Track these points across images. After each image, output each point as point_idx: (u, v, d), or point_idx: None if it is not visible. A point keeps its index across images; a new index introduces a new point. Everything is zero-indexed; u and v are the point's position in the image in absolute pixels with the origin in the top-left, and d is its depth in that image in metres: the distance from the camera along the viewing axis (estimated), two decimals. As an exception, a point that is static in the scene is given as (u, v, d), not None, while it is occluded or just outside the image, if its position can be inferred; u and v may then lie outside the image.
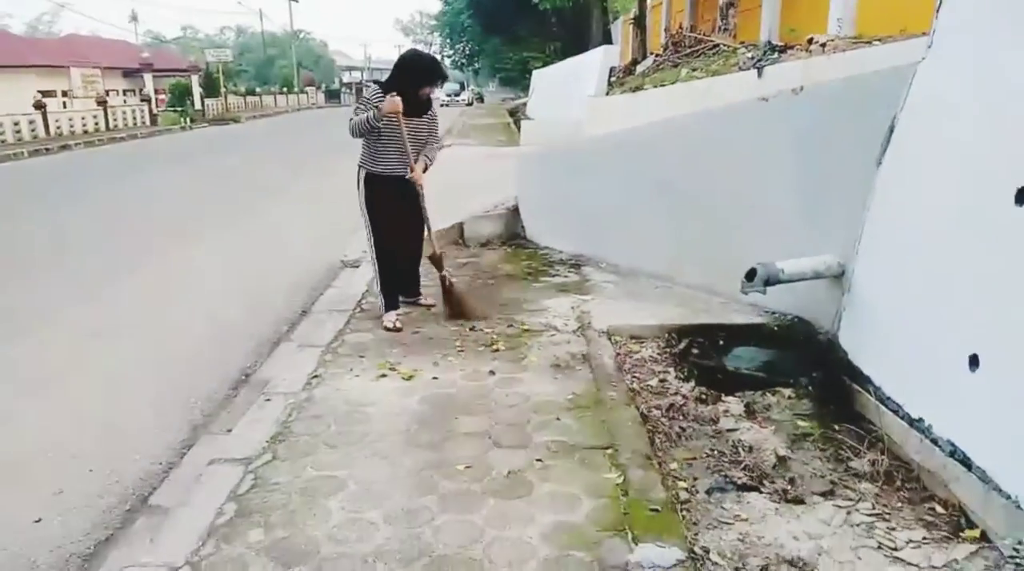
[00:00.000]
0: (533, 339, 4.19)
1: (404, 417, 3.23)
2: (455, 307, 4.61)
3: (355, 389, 3.50)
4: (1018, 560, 2.40)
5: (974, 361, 2.76)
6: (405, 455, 2.90)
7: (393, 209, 4.42)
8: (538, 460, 2.85)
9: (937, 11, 3.18)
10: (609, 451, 2.90)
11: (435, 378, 3.64)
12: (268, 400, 3.36)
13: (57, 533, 2.68)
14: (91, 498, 2.91)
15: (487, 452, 2.92)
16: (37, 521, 2.75)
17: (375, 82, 4.44)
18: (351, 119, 4.28)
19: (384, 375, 3.67)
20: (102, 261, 6.77)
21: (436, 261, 4.62)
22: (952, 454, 2.83)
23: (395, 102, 4.11)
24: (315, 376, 3.65)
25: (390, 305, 4.50)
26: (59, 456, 3.22)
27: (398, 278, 4.59)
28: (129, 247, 7.38)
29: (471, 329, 4.39)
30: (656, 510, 2.49)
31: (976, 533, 2.62)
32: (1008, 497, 2.51)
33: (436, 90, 4.31)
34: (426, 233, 4.63)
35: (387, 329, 4.36)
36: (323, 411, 3.28)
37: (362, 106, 4.27)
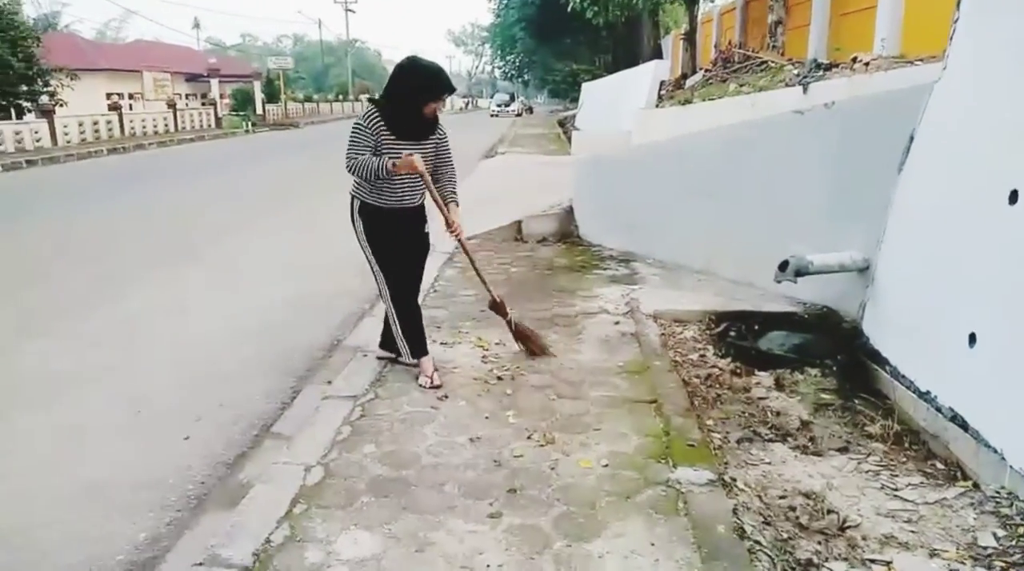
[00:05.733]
0: (587, 320, 4.73)
1: (479, 372, 3.82)
2: (528, 345, 4.10)
3: (436, 350, 4.08)
4: (998, 500, 2.88)
5: (972, 339, 3.23)
6: (482, 399, 3.48)
7: (400, 244, 3.70)
8: (594, 408, 3.40)
9: (951, 39, 3.67)
10: (654, 404, 3.44)
11: (503, 344, 4.22)
12: (364, 356, 3.97)
13: (203, 447, 3.33)
14: (225, 425, 3.55)
15: (551, 401, 3.48)
16: (186, 438, 3.40)
17: (370, 100, 3.64)
18: (349, 156, 3.47)
19: (459, 342, 4.26)
20: (201, 238, 7.52)
21: (498, 308, 4.08)
22: (952, 419, 3.30)
23: (412, 162, 3.37)
24: (401, 340, 4.25)
25: (418, 351, 3.76)
26: (193, 395, 3.87)
27: (419, 319, 3.85)
28: (216, 230, 8.15)
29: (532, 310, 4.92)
30: (693, 445, 3.02)
31: (968, 484, 3.08)
32: (995, 451, 2.99)
33: (442, 106, 3.52)
34: (483, 283, 3.99)
35: (423, 387, 3.63)
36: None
37: (358, 135, 3.47)
